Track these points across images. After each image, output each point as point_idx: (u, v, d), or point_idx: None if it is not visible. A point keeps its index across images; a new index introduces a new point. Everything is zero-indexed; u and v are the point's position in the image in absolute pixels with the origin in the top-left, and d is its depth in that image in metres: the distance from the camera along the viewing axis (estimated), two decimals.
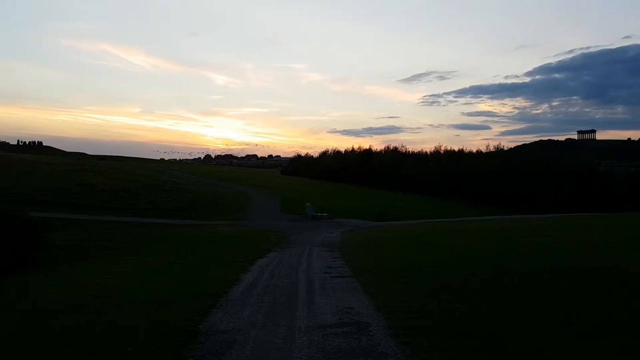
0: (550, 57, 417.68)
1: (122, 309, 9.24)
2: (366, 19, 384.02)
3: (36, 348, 6.87)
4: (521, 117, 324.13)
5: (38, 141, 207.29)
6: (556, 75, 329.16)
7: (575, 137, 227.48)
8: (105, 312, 9.00)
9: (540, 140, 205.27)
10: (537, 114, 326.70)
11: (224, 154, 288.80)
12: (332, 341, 6.95)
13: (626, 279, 10.70)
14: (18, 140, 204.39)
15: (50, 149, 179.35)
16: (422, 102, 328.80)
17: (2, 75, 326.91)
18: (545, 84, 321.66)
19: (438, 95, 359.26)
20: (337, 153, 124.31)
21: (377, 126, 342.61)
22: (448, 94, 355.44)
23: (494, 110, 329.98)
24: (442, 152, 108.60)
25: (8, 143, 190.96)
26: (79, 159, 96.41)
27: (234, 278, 12.45)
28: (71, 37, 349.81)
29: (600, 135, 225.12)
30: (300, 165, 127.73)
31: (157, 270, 15.52)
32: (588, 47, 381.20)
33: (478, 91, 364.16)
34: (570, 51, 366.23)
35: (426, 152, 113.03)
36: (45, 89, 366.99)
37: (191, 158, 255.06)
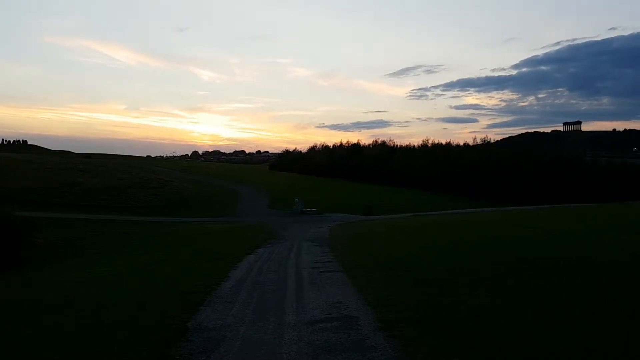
0: (537, 49, 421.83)
1: (109, 308, 9.18)
2: (353, 13, 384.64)
3: (21, 348, 6.80)
4: (508, 109, 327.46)
5: (23, 140, 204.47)
6: (542, 67, 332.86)
7: (561, 128, 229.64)
8: (92, 311, 8.93)
9: (527, 133, 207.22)
10: (523, 106, 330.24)
11: (211, 150, 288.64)
12: (321, 336, 6.95)
13: (608, 269, 10.81)
14: (2, 139, 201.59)
15: (35, 147, 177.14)
16: (410, 96, 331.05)
17: None
18: (532, 76, 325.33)
19: (426, 89, 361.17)
20: (325, 148, 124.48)
21: (366, 120, 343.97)
22: (436, 87, 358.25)
23: (481, 103, 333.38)
24: (429, 145, 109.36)
25: None
26: (64, 157, 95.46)
27: (222, 274, 12.40)
28: (54, 34, 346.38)
29: (586, 127, 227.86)
30: (288, 161, 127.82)
31: (144, 268, 15.46)
32: (574, 39, 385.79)
33: (465, 84, 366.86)
34: (557, 43, 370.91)
35: (414, 145, 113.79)
36: (28, 86, 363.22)
37: (178, 155, 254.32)
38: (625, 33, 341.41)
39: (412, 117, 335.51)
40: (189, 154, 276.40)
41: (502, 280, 10.31)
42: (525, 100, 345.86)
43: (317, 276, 12.10)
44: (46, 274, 16.20)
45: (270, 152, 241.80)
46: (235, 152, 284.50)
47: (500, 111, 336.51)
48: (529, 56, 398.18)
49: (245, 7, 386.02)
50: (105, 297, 10.45)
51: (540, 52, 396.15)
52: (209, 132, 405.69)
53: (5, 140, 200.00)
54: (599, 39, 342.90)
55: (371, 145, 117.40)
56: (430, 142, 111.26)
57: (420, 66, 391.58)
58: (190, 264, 15.32)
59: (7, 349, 6.84)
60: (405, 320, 7.45)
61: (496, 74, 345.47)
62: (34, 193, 41.92)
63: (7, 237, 18.86)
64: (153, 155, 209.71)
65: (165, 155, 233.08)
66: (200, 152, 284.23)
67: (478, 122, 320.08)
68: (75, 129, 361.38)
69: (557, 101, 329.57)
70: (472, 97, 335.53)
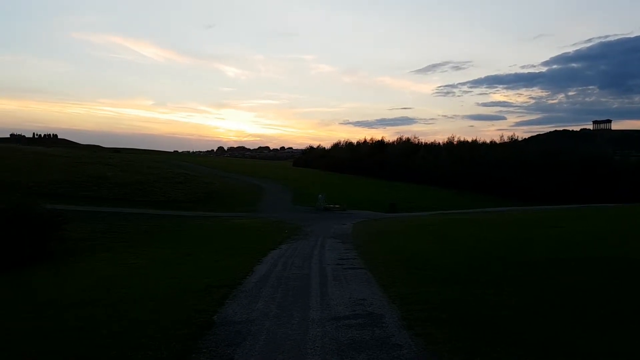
0: (568, 46, 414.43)
1: (137, 301, 9.34)
2: (378, 9, 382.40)
3: (52, 341, 6.96)
4: (537, 107, 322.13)
5: (53, 134, 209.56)
6: (573, 64, 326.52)
7: (591, 127, 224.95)
8: (120, 304, 9.10)
9: (555, 131, 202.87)
10: (553, 104, 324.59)
11: (236, 146, 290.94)
12: (345, 332, 6.97)
13: (636, 270, 10.59)
14: (33, 133, 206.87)
15: (65, 141, 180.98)
16: (436, 92, 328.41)
17: (16, 69, 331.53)
18: (562, 73, 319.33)
19: (453, 86, 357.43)
20: (349, 145, 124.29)
21: (390, 117, 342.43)
22: (463, 84, 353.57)
23: (510, 101, 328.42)
24: (455, 142, 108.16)
25: (24, 136, 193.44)
26: (93, 151, 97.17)
27: (247, 269, 12.52)
28: (83, 30, 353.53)
29: (616, 125, 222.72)
30: (312, 157, 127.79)
31: (171, 262, 15.65)
32: (606, 36, 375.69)
33: (493, 81, 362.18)
34: (588, 40, 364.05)
35: (439, 143, 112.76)
36: (58, 82, 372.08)
37: (204, 150, 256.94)
38: None
39: (438, 114, 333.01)
40: (215, 150, 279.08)
41: (528, 280, 10.19)
42: (554, 98, 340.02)
43: (341, 273, 12.12)
44: (75, 267, 16.52)
45: (294, 148, 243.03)
46: (260, 148, 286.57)
47: (528, 109, 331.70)
48: (560, 53, 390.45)
49: (271, 4, 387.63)
50: (133, 290, 10.64)
51: (571, 49, 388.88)
52: (234, 128, 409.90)
53: (36, 134, 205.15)
54: (631, 35, 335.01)
55: (395, 142, 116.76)
56: (455, 139, 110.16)
57: (447, 62, 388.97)
58: (216, 259, 15.48)
59: (39, 342, 7.02)
60: (430, 319, 7.42)
61: (526, 70, 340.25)
62: (63, 186, 42.78)
63: (36, 230, 19.25)
64: (180, 151, 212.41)
65: (191, 151, 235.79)
66: (225, 148, 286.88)
67: (506, 120, 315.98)
68: (104, 123, 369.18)
69: (587, 99, 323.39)
70: (500, 94, 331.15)
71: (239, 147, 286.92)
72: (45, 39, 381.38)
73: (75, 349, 6.47)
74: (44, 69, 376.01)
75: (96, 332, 7.21)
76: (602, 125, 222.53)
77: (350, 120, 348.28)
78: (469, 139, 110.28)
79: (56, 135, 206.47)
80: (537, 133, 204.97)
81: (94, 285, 11.72)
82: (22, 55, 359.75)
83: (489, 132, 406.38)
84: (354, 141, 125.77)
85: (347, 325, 7.36)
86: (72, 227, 22.79)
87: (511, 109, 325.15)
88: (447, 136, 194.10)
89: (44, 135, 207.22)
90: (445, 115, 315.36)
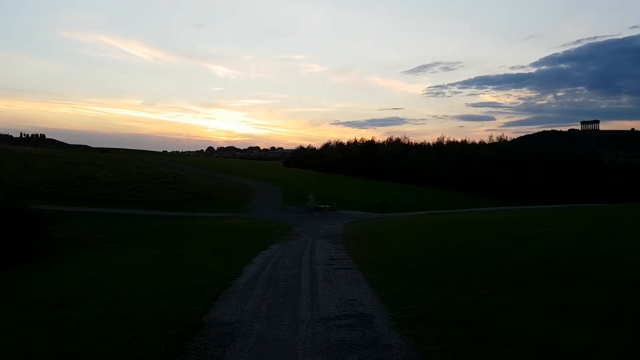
0: (557, 47, 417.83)
1: (125, 301, 9.25)
2: (369, 9, 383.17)
3: (41, 342, 6.87)
4: (526, 107, 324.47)
5: (40, 134, 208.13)
6: (562, 65, 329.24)
7: (579, 127, 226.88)
8: (108, 305, 9.01)
9: (544, 131, 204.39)
10: (542, 104, 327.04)
11: (226, 146, 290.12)
12: (335, 333, 6.93)
13: (627, 269, 10.64)
14: (21, 133, 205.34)
15: (52, 141, 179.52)
16: (426, 93, 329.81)
17: (3, 67, 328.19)
18: (551, 74, 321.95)
19: (443, 87, 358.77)
20: (339, 145, 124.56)
21: (380, 118, 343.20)
22: (453, 84, 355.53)
23: (499, 101, 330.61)
24: (445, 143, 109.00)
25: (11, 136, 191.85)
26: (81, 151, 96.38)
27: (237, 270, 12.46)
28: (71, 29, 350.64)
29: (604, 126, 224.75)
30: (302, 157, 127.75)
31: (160, 263, 15.55)
32: (595, 37, 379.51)
33: (483, 82, 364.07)
34: (577, 41, 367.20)
35: (429, 143, 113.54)
36: (46, 81, 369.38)
37: (194, 150, 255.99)
38: None
39: (428, 115, 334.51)
40: (204, 150, 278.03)
41: (518, 279, 10.20)
42: (543, 98, 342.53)
43: (332, 273, 12.09)
44: (63, 267, 16.36)
45: (284, 148, 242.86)
46: (250, 148, 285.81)
47: (517, 109, 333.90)
48: (549, 54, 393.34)
49: (261, 4, 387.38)
50: (122, 290, 10.54)
51: (560, 50, 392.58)
52: (224, 128, 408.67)
53: (24, 134, 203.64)
54: (620, 36, 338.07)
55: (386, 143, 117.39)
56: (445, 140, 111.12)
57: (437, 63, 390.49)
58: (206, 259, 15.38)
59: (27, 343, 6.92)
60: (421, 319, 7.40)
61: (515, 71, 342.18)
62: (51, 186, 42.41)
63: (24, 230, 19.04)
64: (169, 151, 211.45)
65: (181, 151, 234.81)
66: (215, 148, 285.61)
67: (495, 120, 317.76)
68: (92, 123, 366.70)
69: (575, 100, 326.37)
70: (490, 95, 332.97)
71: (228, 147, 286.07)
72: (34, 38, 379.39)
73: (64, 351, 6.38)
74: (32, 68, 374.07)
75: (85, 333, 7.12)
76: (590, 126, 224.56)
77: (341, 121, 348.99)
78: (459, 140, 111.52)
79: (44, 135, 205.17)
80: (526, 133, 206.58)
81: (84, 285, 11.59)
82: (9, 54, 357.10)
83: (479, 133, 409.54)
84: (345, 141, 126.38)
85: (337, 325, 7.32)
86: (60, 227, 22.58)
87: (500, 109, 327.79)
88: (437, 136, 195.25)
89: (32, 135, 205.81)
90: (435, 116, 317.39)
